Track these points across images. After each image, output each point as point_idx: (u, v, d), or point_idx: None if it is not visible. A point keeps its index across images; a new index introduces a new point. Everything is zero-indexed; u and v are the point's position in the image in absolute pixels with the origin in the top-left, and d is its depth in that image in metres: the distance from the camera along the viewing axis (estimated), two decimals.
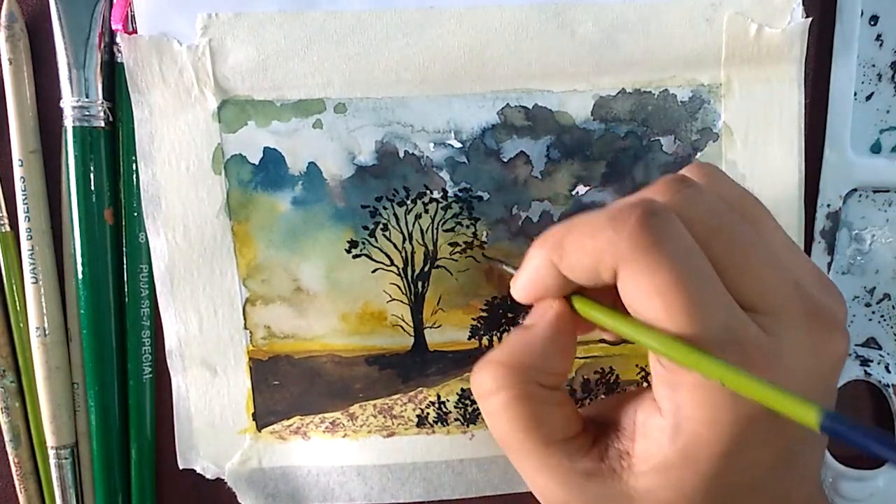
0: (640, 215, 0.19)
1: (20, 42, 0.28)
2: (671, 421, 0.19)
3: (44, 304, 0.29)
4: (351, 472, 0.31)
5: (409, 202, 0.29)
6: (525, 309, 0.26)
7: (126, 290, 0.29)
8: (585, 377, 0.31)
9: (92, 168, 0.28)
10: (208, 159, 0.28)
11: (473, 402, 0.30)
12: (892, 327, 0.32)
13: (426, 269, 0.30)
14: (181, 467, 0.30)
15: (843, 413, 0.32)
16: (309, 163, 0.29)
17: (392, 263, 0.30)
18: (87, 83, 0.28)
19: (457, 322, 0.30)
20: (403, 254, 0.30)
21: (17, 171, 0.29)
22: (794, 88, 0.29)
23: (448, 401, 0.31)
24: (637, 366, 0.31)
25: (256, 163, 0.29)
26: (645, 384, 0.31)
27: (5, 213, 0.29)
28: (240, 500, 0.31)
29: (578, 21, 0.28)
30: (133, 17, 0.27)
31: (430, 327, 0.30)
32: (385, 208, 0.29)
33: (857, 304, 0.32)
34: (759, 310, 0.19)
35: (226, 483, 0.31)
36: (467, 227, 0.29)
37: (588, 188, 0.29)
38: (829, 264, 0.31)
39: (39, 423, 0.30)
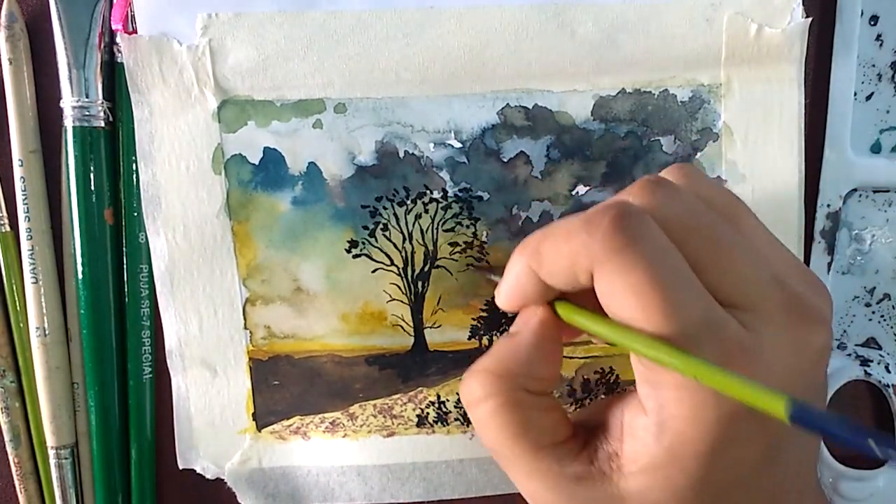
0: (613, 217, 0.19)
1: (20, 42, 0.28)
2: (655, 419, 0.19)
3: (44, 304, 0.29)
4: (351, 472, 0.31)
5: (409, 202, 0.29)
6: None
7: (126, 290, 0.29)
8: (585, 377, 0.31)
9: (92, 168, 0.28)
10: (208, 159, 0.28)
11: None
12: (892, 327, 0.32)
13: (426, 269, 0.30)
14: (181, 467, 0.30)
15: (843, 413, 0.32)
16: (309, 163, 0.29)
17: (392, 263, 0.30)
18: (87, 83, 0.28)
19: (457, 322, 0.30)
20: (403, 254, 0.30)
21: (17, 171, 0.29)
22: (794, 88, 0.29)
23: (448, 401, 0.31)
24: None
25: (256, 163, 0.29)
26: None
27: (5, 213, 0.29)
28: (240, 500, 0.31)
29: (578, 21, 0.28)
30: (133, 17, 0.27)
31: (430, 327, 0.30)
32: (385, 208, 0.29)
33: (857, 304, 0.32)
34: (738, 306, 0.20)
35: (226, 483, 0.31)
36: (467, 227, 0.29)
37: (588, 188, 0.29)
38: (829, 264, 0.31)
39: (39, 423, 0.30)
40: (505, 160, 0.29)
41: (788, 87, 0.29)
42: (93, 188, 0.28)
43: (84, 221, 0.28)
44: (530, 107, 0.29)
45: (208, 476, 0.31)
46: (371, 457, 0.31)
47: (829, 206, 0.30)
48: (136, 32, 0.27)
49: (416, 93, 0.28)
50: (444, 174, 0.29)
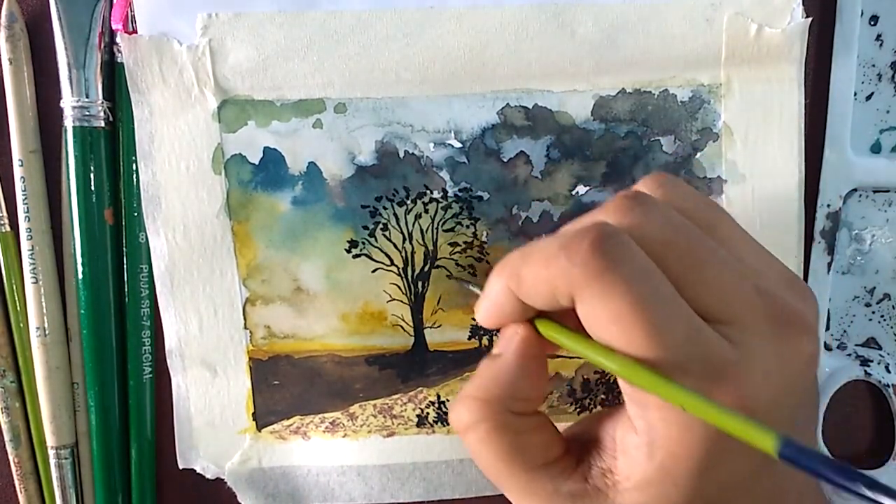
0: (592, 241, 0.19)
1: (20, 42, 0.28)
2: (645, 439, 0.19)
3: (44, 304, 0.29)
4: (351, 471, 0.31)
5: (409, 202, 0.29)
6: None
7: (126, 290, 0.29)
8: (585, 377, 0.31)
9: (92, 168, 0.28)
10: (208, 159, 0.28)
11: None
12: (892, 327, 0.32)
13: (426, 269, 0.30)
14: (181, 467, 0.30)
15: (843, 413, 0.32)
16: (309, 163, 0.29)
17: (392, 263, 0.30)
18: (87, 83, 0.28)
19: (457, 322, 0.30)
20: (403, 254, 0.30)
21: (17, 171, 0.29)
22: (794, 88, 0.29)
23: (448, 400, 0.31)
24: None
25: (256, 163, 0.29)
26: None
27: (5, 213, 0.29)
28: (240, 500, 0.31)
29: (578, 21, 0.28)
30: (133, 17, 0.27)
31: (430, 327, 0.30)
32: (385, 208, 0.29)
33: (857, 304, 0.32)
34: (721, 320, 0.19)
35: (226, 483, 0.31)
36: (467, 227, 0.29)
37: (588, 188, 0.29)
38: (829, 264, 0.31)
39: (39, 423, 0.30)
40: (505, 160, 0.29)
41: (788, 87, 0.29)
42: (93, 188, 0.28)
43: (84, 221, 0.28)
44: (530, 107, 0.29)
45: (208, 476, 0.31)
46: (371, 457, 0.31)
47: (829, 206, 0.30)
48: (136, 32, 0.27)
49: (416, 93, 0.28)
50: (444, 174, 0.29)
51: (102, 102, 0.28)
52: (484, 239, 0.30)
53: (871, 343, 0.32)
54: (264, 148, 0.29)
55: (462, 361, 0.30)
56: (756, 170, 0.29)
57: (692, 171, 0.29)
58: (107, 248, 0.29)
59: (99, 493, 0.30)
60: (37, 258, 0.29)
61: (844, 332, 0.32)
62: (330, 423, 0.31)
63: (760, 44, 0.28)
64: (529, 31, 0.28)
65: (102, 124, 0.28)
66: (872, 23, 0.30)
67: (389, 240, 0.29)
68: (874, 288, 0.32)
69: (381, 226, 0.29)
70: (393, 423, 0.31)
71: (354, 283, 0.29)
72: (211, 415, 0.30)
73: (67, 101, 0.28)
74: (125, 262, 0.29)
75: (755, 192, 0.29)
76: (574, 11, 0.28)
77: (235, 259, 0.29)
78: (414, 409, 0.31)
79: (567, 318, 0.21)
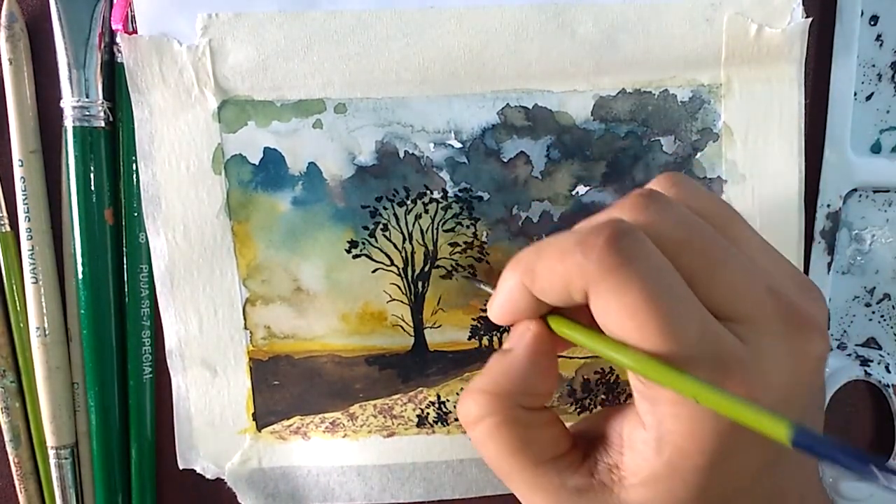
0: (608, 237, 0.19)
1: (20, 42, 0.28)
2: (654, 434, 0.19)
3: (44, 304, 0.29)
4: (351, 472, 0.31)
5: (409, 202, 0.29)
6: None
7: (126, 290, 0.29)
8: (585, 377, 0.31)
9: (92, 168, 0.28)
10: (208, 159, 0.28)
11: None
12: (892, 327, 0.32)
13: (426, 269, 0.30)
14: (181, 467, 0.30)
15: (843, 413, 0.32)
16: (309, 163, 0.29)
17: (392, 263, 0.30)
18: (87, 83, 0.28)
19: (457, 322, 0.30)
20: (403, 254, 0.30)
21: (17, 171, 0.29)
22: (794, 88, 0.29)
23: (448, 401, 0.31)
24: None
25: (256, 163, 0.29)
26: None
27: (5, 213, 0.29)
28: (240, 500, 0.31)
29: (578, 21, 0.28)
30: (133, 17, 0.27)
31: (430, 327, 0.30)
32: (385, 208, 0.29)
33: (857, 304, 0.32)
34: (733, 318, 0.20)
35: (226, 483, 0.31)
36: (467, 227, 0.29)
37: (588, 188, 0.29)
38: (829, 264, 0.31)
39: (39, 423, 0.30)
40: (505, 160, 0.29)
41: (788, 87, 0.29)
42: (93, 188, 0.28)
43: (84, 221, 0.28)
44: (530, 107, 0.29)
45: (208, 476, 0.31)
46: (371, 457, 0.31)
47: (829, 206, 0.30)
48: (136, 32, 0.27)
49: (416, 93, 0.28)
50: (444, 174, 0.29)
51: (102, 102, 0.28)
52: (484, 239, 0.30)
53: (871, 343, 0.32)
54: (264, 148, 0.29)
55: (462, 361, 0.30)
56: (756, 170, 0.29)
57: (692, 172, 0.29)
58: (107, 248, 0.29)
59: (99, 493, 0.30)
60: (37, 258, 0.29)
61: (844, 332, 0.32)
62: (330, 423, 0.31)
63: (760, 44, 0.28)
64: (529, 31, 0.28)
65: (102, 124, 0.28)
66: (872, 23, 0.30)
67: (389, 240, 0.29)
68: (874, 288, 0.32)
69: (381, 226, 0.29)
70: (393, 424, 0.31)
71: (354, 284, 0.29)
72: (211, 415, 0.30)
73: (67, 101, 0.28)
74: (125, 262, 0.29)
75: (755, 192, 0.29)
76: (574, 11, 0.28)
77: (235, 259, 0.29)
78: (414, 410, 0.31)
79: (579, 316, 0.21)
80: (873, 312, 0.32)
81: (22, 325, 0.29)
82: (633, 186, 0.29)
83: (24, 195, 0.29)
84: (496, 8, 0.28)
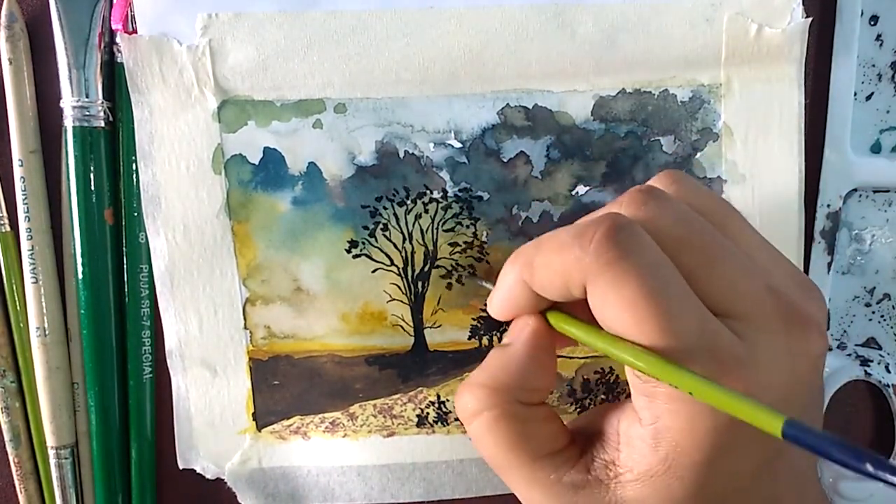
0: (606, 230, 0.19)
1: (20, 42, 0.28)
2: (651, 430, 0.19)
3: (44, 304, 0.29)
4: (351, 472, 0.31)
5: (409, 202, 0.29)
6: None
7: (126, 290, 0.29)
8: (585, 377, 0.31)
9: (92, 168, 0.28)
10: (208, 159, 0.28)
11: None
12: (892, 327, 0.32)
13: (426, 269, 0.30)
14: (181, 467, 0.30)
15: (843, 413, 0.32)
16: (309, 163, 0.29)
17: (392, 263, 0.30)
18: (87, 83, 0.28)
19: (457, 322, 0.30)
20: (403, 254, 0.30)
21: (17, 171, 0.29)
22: (794, 88, 0.29)
23: (448, 401, 0.31)
24: None
25: (256, 163, 0.29)
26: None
27: (5, 213, 0.29)
28: (240, 500, 0.31)
29: (578, 21, 0.28)
30: (133, 17, 0.27)
31: (430, 327, 0.30)
32: (385, 208, 0.29)
33: (857, 304, 0.32)
34: (732, 315, 0.19)
35: (226, 483, 0.31)
36: (467, 227, 0.29)
37: (588, 188, 0.29)
38: (829, 264, 0.31)
39: (39, 423, 0.30)
40: (505, 160, 0.29)
41: (788, 87, 0.29)
42: (93, 188, 0.28)
43: (84, 221, 0.28)
44: (530, 107, 0.29)
45: (208, 476, 0.31)
46: (371, 457, 0.31)
47: (829, 206, 0.30)
48: (136, 32, 0.27)
49: (416, 93, 0.28)
50: (444, 174, 0.29)
51: (102, 102, 0.28)
52: (484, 239, 0.30)
53: (871, 343, 0.32)
54: (264, 148, 0.29)
55: (462, 361, 0.30)
56: (756, 170, 0.29)
57: (692, 172, 0.29)
58: (107, 248, 0.29)
59: (99, 493, 0.30)
60: (37, 258, 0.29)
61: (844, 332, 0.32)
62: (330, 423, 0.31)
63: (760, 44, 0.28)
64: (529, 31, 0.28)
65: (102, 124, 0.28)
66: (872, 23, 0.30)
67: (389, 240, 0.29)
68: (874, 288, 0.32)
69: (381, 226, 0.29)
70: (393, 423, 0.31)
71: (354, 283, 0.29)
72: (211, 415, 0.30)
73: (67, 101, 0.28)
74: (125, 262, 0.29)
75: (755, 192, 0.29)
76: (574, 11, 0.28)
77: (235, 259, 0.29)
78: (414, 409, 0.31)
79: (578, 312, 0.21)
80: (873, 312, 0.32)
81: (22, 325, 0.29)
82: (632, 186, 0.29)
83: (24, 195, 0.29)
84: (496, 8, 0.28)
